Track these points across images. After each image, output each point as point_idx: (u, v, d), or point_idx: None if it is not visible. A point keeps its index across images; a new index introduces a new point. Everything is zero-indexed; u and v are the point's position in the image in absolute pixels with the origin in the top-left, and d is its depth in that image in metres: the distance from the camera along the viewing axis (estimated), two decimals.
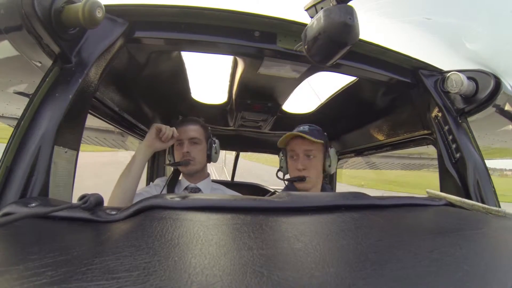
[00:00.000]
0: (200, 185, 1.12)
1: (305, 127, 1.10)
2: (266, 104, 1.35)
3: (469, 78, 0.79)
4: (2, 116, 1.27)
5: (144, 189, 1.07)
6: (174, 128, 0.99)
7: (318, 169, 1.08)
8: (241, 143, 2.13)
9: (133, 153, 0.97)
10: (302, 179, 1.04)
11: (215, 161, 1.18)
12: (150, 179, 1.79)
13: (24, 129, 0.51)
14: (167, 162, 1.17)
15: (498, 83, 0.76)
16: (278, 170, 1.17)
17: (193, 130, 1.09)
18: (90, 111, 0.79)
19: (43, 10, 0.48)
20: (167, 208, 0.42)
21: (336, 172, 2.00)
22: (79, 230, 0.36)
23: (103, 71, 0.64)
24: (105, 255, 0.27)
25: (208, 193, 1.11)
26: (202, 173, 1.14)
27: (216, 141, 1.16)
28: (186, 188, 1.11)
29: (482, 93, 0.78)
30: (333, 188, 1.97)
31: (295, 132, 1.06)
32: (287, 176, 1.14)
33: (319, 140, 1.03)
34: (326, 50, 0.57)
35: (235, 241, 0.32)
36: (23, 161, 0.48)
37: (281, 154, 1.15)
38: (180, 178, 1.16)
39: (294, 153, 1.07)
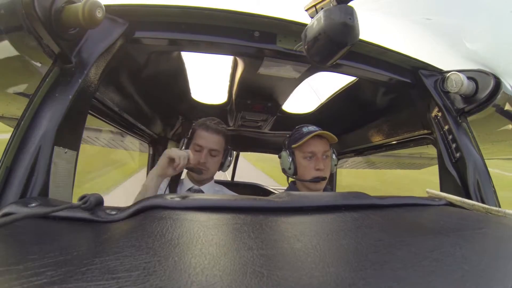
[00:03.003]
0: (204, 187, 1.12)
1: (315, 127, 1.09)
2: (266, 104, 1.35)
3: (469, 78, 0.79)
4: (2, 116, 1.26)
5: None
6: (189, 152, 0.94)
7: (330, 170, 1.09)
8: (241, 143, 2.13)
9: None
10: (324, 179, 1.04)
11: (225, 171, 1.18)
12: None
13: (24, 129, 0.51)
14: None
15: (498, 83, 0.76)
16: (284, 172, 1.12)
17: (216, 141, 1.07)
18: (90, 111, 0.79)
19: (43, 10, 0.48)
20: (167, 208, 0.42)
21: (336, 172, 2.00)
22: (79, 230, 0.36)
23: (103, 71, 0.64)
24: (105, 255, 0.27)
25: (209, 194, 1.11)
26: (211, 178, 1.15)
27: (233, 153, 1.15)
28: (189, 189, 1.11)
29: (482, 93, 0.78)
30: (333, 188, 1.98)
31: (318, 130, 1.04)
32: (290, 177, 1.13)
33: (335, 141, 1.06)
34: (326, 50, 0.57)
35: (235, 241, 0.32)
36: (23, 161, 0.48)
37: (287, 155, 1.09)
38: (183, 177, 1.16)
39: (312, 153, 1.04)
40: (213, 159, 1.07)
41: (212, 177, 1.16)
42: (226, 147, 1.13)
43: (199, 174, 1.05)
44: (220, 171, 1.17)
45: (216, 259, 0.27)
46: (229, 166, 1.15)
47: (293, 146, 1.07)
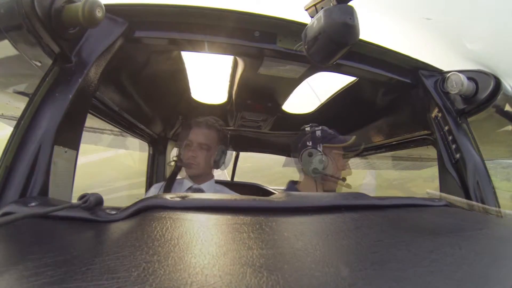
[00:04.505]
0: (203, 186, 1.12)
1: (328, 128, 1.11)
2: (266, 104, 1.35)
3: (469, 78, 0.79)
4: (2, 115, 1.26)
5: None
6: None
7: None
8: (241, 143, 2.13)
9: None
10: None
11: (223, 169, 1.16)
12: (150, 178, 1.78)
13: (24, 128, 0.51)
14: (173, 158, 1.16)
15: (498, 84, 0.76)
16: (312, 171, 1.08)
17: (205, 134, 1.07)
18: (90, 111, 0.79)
19: (43, 9, 0.48)
20: (166, 208, 0.42)
21: None
22: (79, 230, 0.36)
23: (103, 71, 0.64)
24: (105, 255, 0.27)
25: (209, 193, 1.11)
26: (206, 176, 1.13)
27: (230, 149, 1.14)
28: (189, 189, 1.11)
29: (482, 93, 0.78)
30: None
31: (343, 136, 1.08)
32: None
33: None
34: (326, 50, 0.57)
35: (235, 241, 0.32)
36: (23, 160, 0.48)
37: (318, 151, 1.06)
38: (182, 177, 1.16)
39: (340, 155, 1.07)
40: (202, 153, 1.07)
41: (208, 175, 1.15)
42: (220, 144, 1.11)
43: (188, 168, 1.06)
44: (220, 173, 1.16)
45: (216, 259, 0.27)
46: (225, 164, 1.13)
47: (327, 145, 1.07)
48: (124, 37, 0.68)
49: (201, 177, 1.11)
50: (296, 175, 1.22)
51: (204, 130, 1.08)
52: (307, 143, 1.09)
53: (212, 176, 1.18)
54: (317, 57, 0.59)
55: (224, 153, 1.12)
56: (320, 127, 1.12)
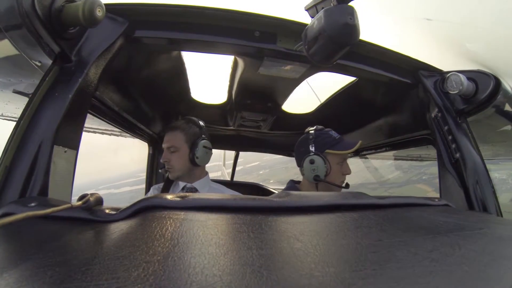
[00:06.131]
0: (196, 184, 1.12)
1: (333, 131, 1.08)
2: (266, 104, 1.35)
3: (469, 78, 0.79)
4: (2, 115, 1.26)
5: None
6: None
7: None
8: (241, 143, 2.13)
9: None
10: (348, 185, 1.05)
11: (203, 163, 1.12)
12: (149, 178, 1.78)
13: (23, 128, 0.51)
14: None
15: (497, 84, 0.76)
16: (315, 178, 1.02)
17: (170, 138, 1.09)
18: (90, 111, 0.79)
19: (43, 9, 0.48)
20: (166, 207, 0.42)
21: None
22: (79, 230, 0.36)
23: (103, 71, 0.64)
24: (105, 255, 0.27)
25: (207, 193, 1.10)
26: (195, 174, 1.12)
27: (201, 143, 1.08)
28: (183, 188, 1.11)
29: (482, 93, 0.78)
30: None
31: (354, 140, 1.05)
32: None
33: None
34: (327, 50, 0.57)
35: (235, 241, 0.32)
36: (23, 160, 0.48)
37: (321, 159, 1.01)
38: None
39: (344, 159, 1.04)
40: (174, 155, 1.08)
41: (196, 173, 1.13)
42: (190, 140, 1.08)
43: (168, 173, 1.10)
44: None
45: (216, 259, 0.27)
46: (200, 159, 1.08)
47: (330, 151, 1.01)
48: (124, 36, 0.68)
49: (188, 176, 1.11)
50: None
51: (169, 134, 1.11)
52: (310, 148, 1.04)
53: (205, 174, 1.17)
54: (317, 57, 0.59)
55: (195, 149, 1.07)
56: (324, 131, 1.07)
